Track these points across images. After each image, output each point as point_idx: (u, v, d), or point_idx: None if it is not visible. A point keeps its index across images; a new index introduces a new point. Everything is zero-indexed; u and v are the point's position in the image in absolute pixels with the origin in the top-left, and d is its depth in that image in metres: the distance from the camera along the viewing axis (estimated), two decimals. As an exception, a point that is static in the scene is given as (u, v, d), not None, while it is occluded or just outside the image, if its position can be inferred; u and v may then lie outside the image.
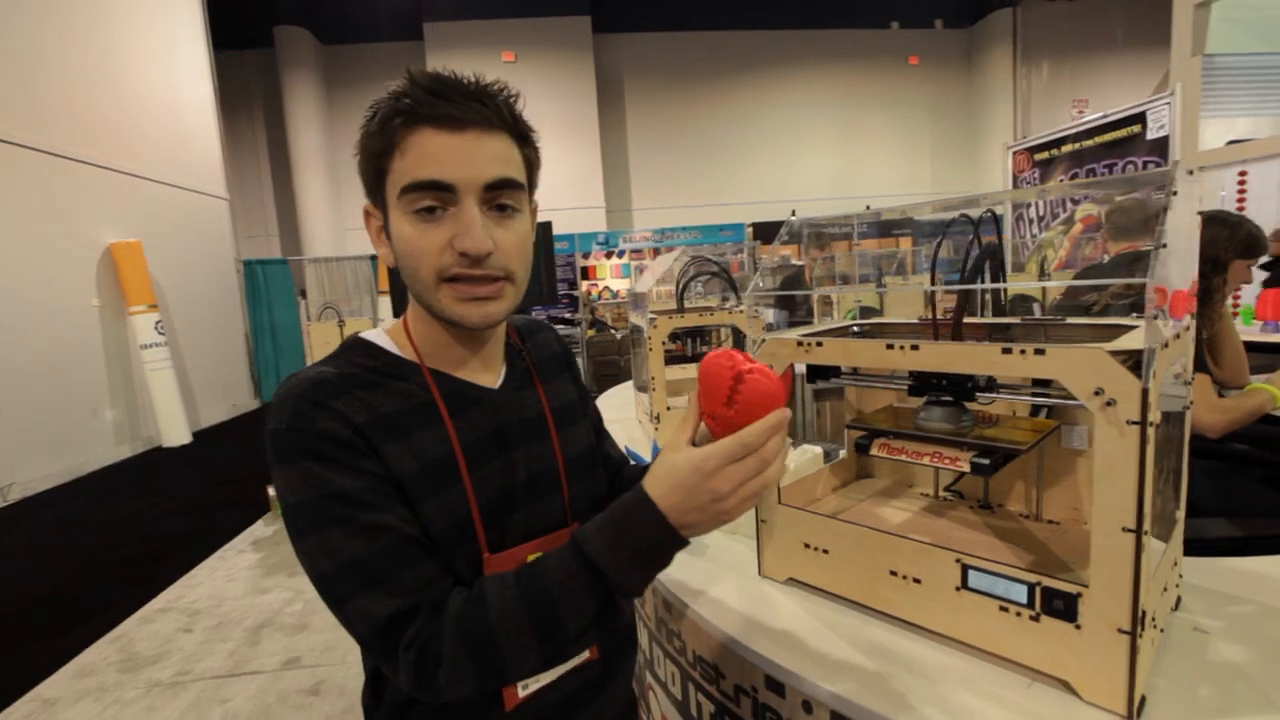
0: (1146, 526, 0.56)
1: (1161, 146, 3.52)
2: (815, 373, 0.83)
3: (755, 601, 0.85)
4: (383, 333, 0.67)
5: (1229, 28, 4.55)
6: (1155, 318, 0.54)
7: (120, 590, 3.12)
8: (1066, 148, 4.15)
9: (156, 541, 3.78)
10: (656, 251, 10.13)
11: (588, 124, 10.33)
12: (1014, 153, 4.70)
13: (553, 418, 0.72)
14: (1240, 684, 0.62)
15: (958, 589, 0.69)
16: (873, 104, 11.53)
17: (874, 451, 0.78)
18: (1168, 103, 3.49)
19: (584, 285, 9.05)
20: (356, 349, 0.65)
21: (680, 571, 0.95)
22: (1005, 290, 0.88)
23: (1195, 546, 0.80)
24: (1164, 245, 0.55)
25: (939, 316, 0.80)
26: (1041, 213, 4.15)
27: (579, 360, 7.09)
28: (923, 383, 0.81)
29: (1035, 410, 0.85)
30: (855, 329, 0.96)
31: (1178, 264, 0.60)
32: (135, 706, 2.25)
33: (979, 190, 11.08)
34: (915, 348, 0.68)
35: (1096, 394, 0.56)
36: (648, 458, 1.45)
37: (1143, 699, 0.59)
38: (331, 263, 8.72)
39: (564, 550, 0.58)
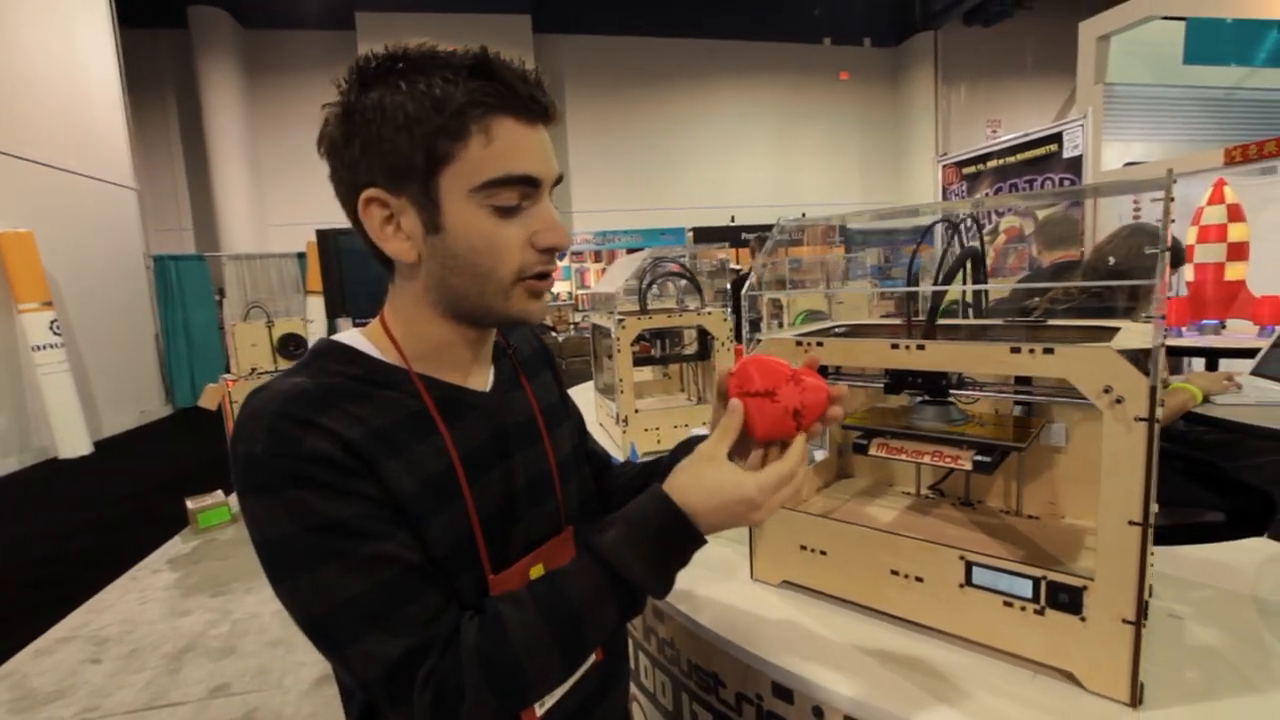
0: (1151, 520, 0.58)
1: (1076, 165, 3.81)
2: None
3: (752, 606, 0.83)
4: (358, 335, 0.60)
5: (1126, 59, 4.98)
6: (1162, 318, 0.56)
7: (12, 620, 2.80)
8: (991, 163, 4.42)
9: (54, 564, 3.43)
10: (598, 254, 10.10)
11: (528, 124, 10.17)
12: (943, 166, 4.97)
13: (543, 418, 0.69)
14: (1220, 666, 0.66)
15: (961, 586, 0.70)
16: (806, 116, 11.92)
17: (873, 451, 0.79)
18: (1081, 125, 3.78)
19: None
20: (333, 354, 0.58)
21: (669, 577, 0.93)
22: (986, 293, 0.91)
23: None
24: (1168, 249, 0.57)
25: (911, 319, 0.81)
26: (968, 224, 4.42)
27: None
28: (898, 380, 0.82)
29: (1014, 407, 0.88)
30: (839, 330, 0.97)
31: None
32: (35, 749, 2.02)
33: (906, 199, 11.66)
34: (921, 347, 0.69)
35: (1105, 391, 0.57)
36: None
37: (1142, 686, 0.62)
38: (255, 260, 8.20)
39: (585, 565, 0.55)
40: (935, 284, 0.84)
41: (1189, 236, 3.03)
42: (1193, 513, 1.68)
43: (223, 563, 3.33)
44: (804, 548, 0.83)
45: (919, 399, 0.82)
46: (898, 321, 0.90)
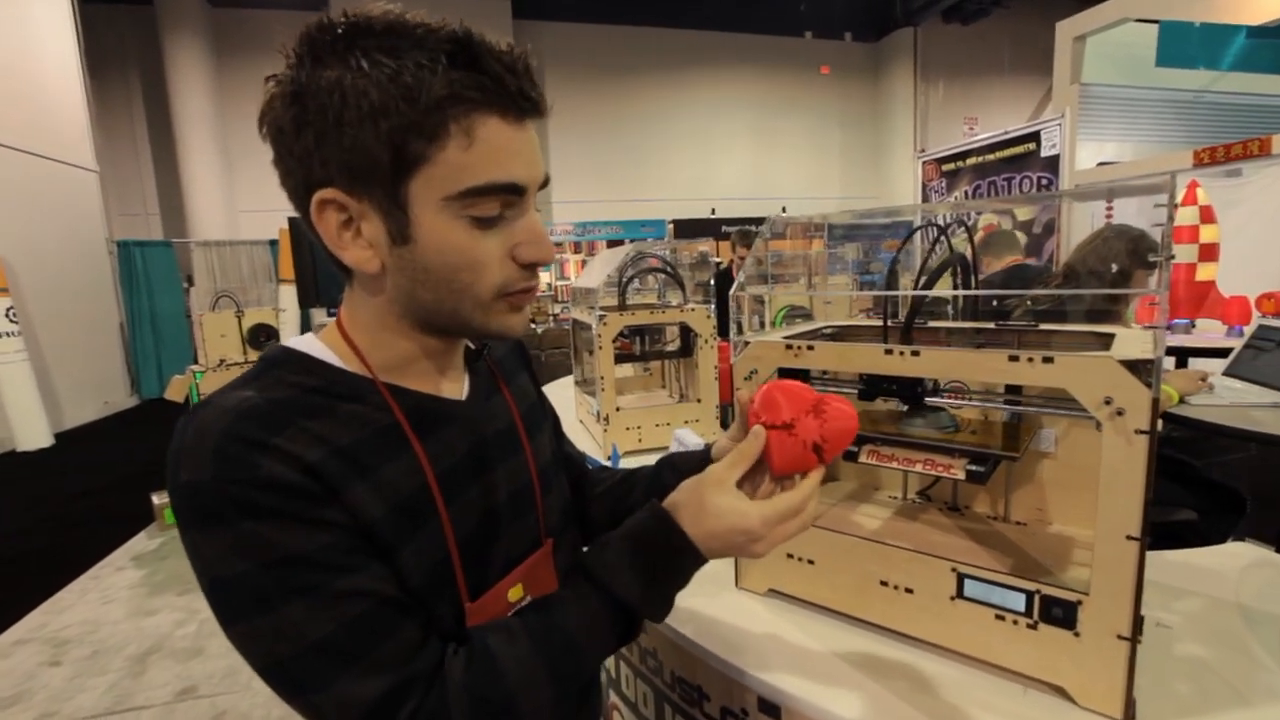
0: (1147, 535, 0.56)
1: (1053, 164, 3.84)
2: (791, 375, 0.81)
3: (738, 616, 0.81)
4: (315, 340, 0.54)
5: (1100, 60, 5.05)
6: (1166, 328, 0.54)
7: (-36, 621, 2.69)
8: (971, 160, 4.44)
9: (9, 562, 3.30)
10: (577, 246, 10.00)
11: (507, 112, 10.04)
12: (923, 163, 4.99)
13: (523, 424, 0.65)
14: (1211, 679, 0.65)
15: (953, 598, 0.68)
16: (786, 109, 11.92)
17: (864, 459, 0.77)
18: (1059, 124, 3.82)
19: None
20: (289, 364, 0.52)
21: (652, 585, 0.91)
22: (977, 300, 0.89)
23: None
24: (1172, 257, 0.55)
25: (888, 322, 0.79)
26: (948, 220, 4.46)
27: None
28: (873, 386, 0.81)
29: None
30: (827, 331, 0.95)
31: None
32: (-12, 757, 1.94)
33: (886, 194, 11.75)
34: (916, 353, 0.67)
35: (1106, 403, 0.56)
36: (604, 462, 1.39)
37: (1134, 701, 0.61)
38: (224, 247, 7.97)
39: (581, 591, 0.52)
40: (916, 287, 0.82)
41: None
42: (1167, 511, 1.71)
43: (189, 560, 3.23)
44: (791, 556, 0.81)
45: (911, 406, 0.81)
46: (878, 322, 0.88)
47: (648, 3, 10.51)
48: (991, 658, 0.67)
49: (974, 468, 0.69)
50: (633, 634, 0.52)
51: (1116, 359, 0.55)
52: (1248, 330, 2.11)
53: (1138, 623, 0.57)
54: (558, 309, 8.97)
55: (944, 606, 0.69)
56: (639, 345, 1.62)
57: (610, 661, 1.04)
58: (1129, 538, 0.56)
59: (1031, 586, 0.63)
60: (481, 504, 0.57)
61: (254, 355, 4.11)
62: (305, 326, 8.14)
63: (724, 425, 1.60)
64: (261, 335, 4.16)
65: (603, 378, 1.50)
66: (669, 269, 1.73)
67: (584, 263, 9.33)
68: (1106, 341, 0.68)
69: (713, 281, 1.78)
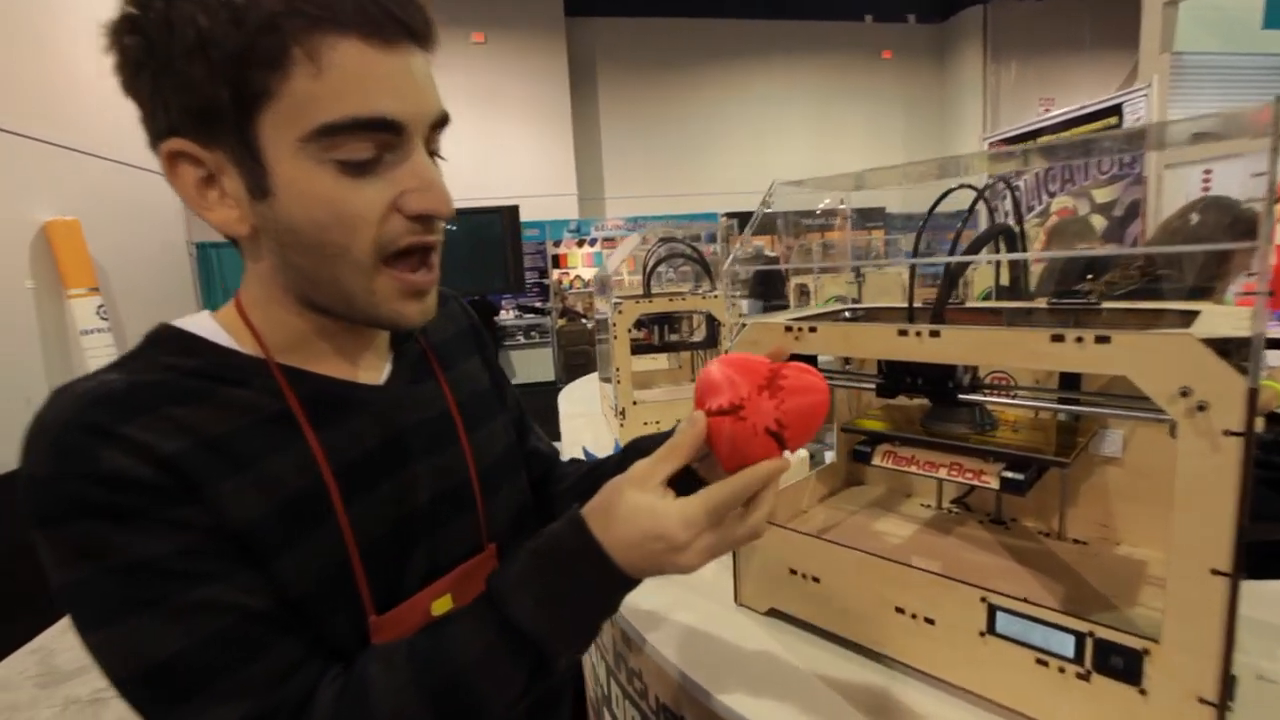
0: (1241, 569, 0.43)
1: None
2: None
3: (730, 638, 0.71)
4: (208, 318, 0.48)
5: (1195, 27, 4.58)
6: (1268, 294, 0.40)
7: (38, 601, 2.86)
8: (1043, 140, 4.11)
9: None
10: (629, 241, 9.95)
11: (560, 109, 10.07)
12: (990, 144, 4.66)
13: (460, 416, 0.57)
14: (1330, 754, 0.51)
15: (982, 634, 0.55)
16: (845, 97, 11.50)
17: (877, 461, 0.65)
18: (1144, 94, 3.46)
19: (555, 274, 8.82)
20: (168, 343, 0.45)
21: (641, 597, 0.81)
22: (1026, 271, 0.75)
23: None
24: (1278, 200, 0.41)
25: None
26: (1002, 192, 4.14)
27: (550, 351, 6.90)
28: (895, 380, 0.67)
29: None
30: (847, 313, 0.83)
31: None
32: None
33: (950, 181, 11.15)
34: (935, 334, 0.55)
35: (1183, 395, 0.42)
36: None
37: (1221, 782, 0.47)
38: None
39: (476, 611, 0.43)
40: (951, 264, 0.69)
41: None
42: (1273, 528, 1.47)
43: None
44: (794, 572, 0.70)
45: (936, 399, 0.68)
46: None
47: (701, -7, 10.35)
48: (1029, 710, 0.54)
49: (1010, 474, 0.56)
50: (548, 669, 0.43)
51: (1197, 337, 0.42)
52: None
53: (1227, 683, 0.44)
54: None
55: (971, 643, 0.56)
56: (658, 335, 1.52)
57: (602, 678, 0.95)
58: (1215, 572, 0.43)
59: (1083, 627, 0.50)
60: (395, 503, 0.50)
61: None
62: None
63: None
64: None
65: (618, 369, 1.41)
66: (694, 254, 1.63)
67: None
68: (1188, 319, 0.53)
69: (755, 273, 1.66)
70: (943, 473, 0.60)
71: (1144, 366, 0.44)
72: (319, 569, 0.44)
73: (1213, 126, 0.57)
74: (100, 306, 5.83)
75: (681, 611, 0.77)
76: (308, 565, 0.44)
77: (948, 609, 0.57)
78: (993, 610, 0.54)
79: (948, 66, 11.52)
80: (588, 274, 9.01)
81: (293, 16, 0.38)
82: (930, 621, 0.59)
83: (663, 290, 1.71)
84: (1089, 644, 0.50)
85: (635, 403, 1.43)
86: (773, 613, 0.73)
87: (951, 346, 0.54)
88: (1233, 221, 1.49)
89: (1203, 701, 0.44)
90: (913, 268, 0.75)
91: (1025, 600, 0.53)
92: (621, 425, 1.43)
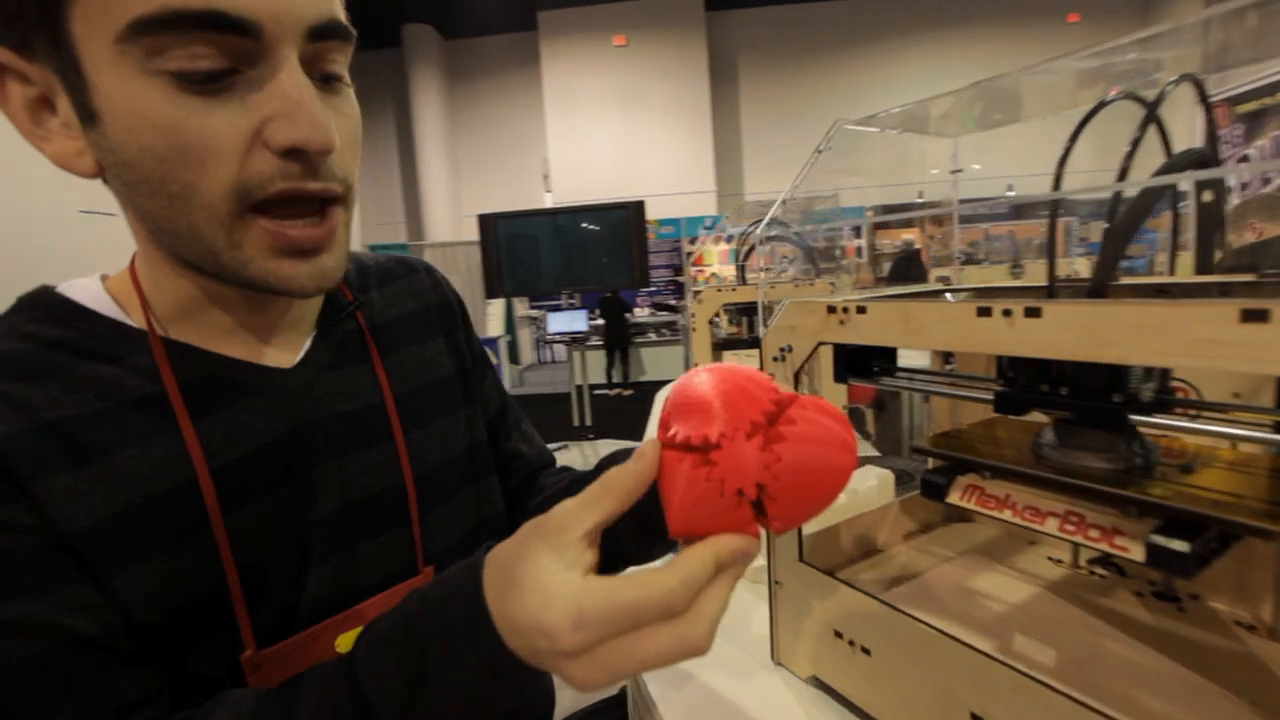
0: None
1: None
2: (850, 365, 0.51)
3: (764, 709, 0.55)
4: (96, 284, 0.42)
5: None
6: None
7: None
8: (1285, 95, 3.25)
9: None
10: (767, 237, 9.62)
11: (699, 105, 10.00)
12: (1212, 106, 3.80)
13: (397, 409, 0.47)
14: None
15: (1106, 786, 0.35)
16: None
17: (954, 498, 0.45)
18: None
19: (690, 271, 8.78)
20: (35, 307, 0.40)
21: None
22: (1223, 229, 0.51)
23: None
24: None
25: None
26: (1247, 179, 3.29)
27: (681, 350, 6.83)
28: (1025, 388, 0.44)
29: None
30: (949, 295, 0.62)
31: None
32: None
33: (1156, 156, 9.48)
34: (1035, 312, 0.35)
35: None
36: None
37: None
38: (447, 247, 9.12)
39: (335, 670, 0.33)
40: (1116, 210, 0.47)
41: None
42: None
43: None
44: (839, 635, 0.52)
45: (1057, 417, 0.46)
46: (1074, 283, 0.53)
47: (849, -29, 9.70)
48: None
49: (1168, 543, 0.35)
50: None
51: None
52: None
53: None
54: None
55: (1089, 797, 0.36)
56: (747, 328, 1.36)
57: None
58: None
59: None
60: (292, 513, 0.41)
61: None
62: (509, 319, 8.97)
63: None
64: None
65: (697, 364, 1.27)
66: (796, 237, 1.43)
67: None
68: None
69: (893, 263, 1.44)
70: (1051, 525, 0.40)
71: None
72: (181, 590, 0.37)
73: None
74: None
75: (709, 670, 0.62)
76: (166, 584, 0.36)
77: (1052, 734, 0.38)
78: (1126, 753, 0.34)
79: (1152, 23, 9.80)
80: (724, 271, 8.84)
81: None
82: (1025, 746, 0.39)
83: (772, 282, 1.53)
84: None
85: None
86: (815, 681, 0.56)
87: (1059, 332, 0.34)
88: None
89: None
90: (1054, 211, 0.54)
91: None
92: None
